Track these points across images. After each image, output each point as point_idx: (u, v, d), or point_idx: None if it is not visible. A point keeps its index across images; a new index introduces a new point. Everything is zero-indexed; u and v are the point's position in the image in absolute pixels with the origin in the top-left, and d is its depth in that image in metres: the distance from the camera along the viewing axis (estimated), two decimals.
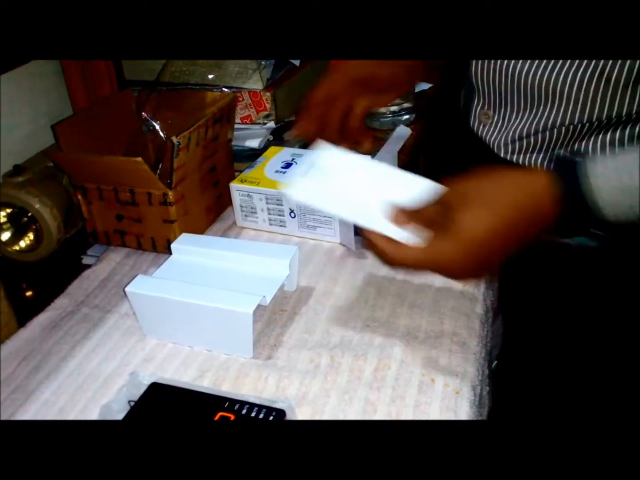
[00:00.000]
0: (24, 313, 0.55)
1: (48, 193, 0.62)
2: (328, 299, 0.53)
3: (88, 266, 0.62)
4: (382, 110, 0.85)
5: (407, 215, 0.40)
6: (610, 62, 0.45)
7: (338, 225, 0.59)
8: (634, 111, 0.46)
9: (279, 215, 0.62)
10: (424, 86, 0.95)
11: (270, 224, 0.63)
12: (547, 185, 0.37)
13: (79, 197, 0.62)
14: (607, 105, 0.46)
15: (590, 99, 0.46)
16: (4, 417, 0.43)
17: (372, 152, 0.64)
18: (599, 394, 0.56)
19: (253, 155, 0.71)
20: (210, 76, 0.76)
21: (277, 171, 0.64)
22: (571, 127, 0.49)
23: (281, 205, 0.61)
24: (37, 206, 0.61)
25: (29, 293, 0.62)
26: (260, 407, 0.41)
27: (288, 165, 0.65)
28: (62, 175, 0.66)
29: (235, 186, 0.63)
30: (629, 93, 0.45)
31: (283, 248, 0.54)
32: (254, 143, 0.76)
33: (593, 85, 0.46)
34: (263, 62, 0.75)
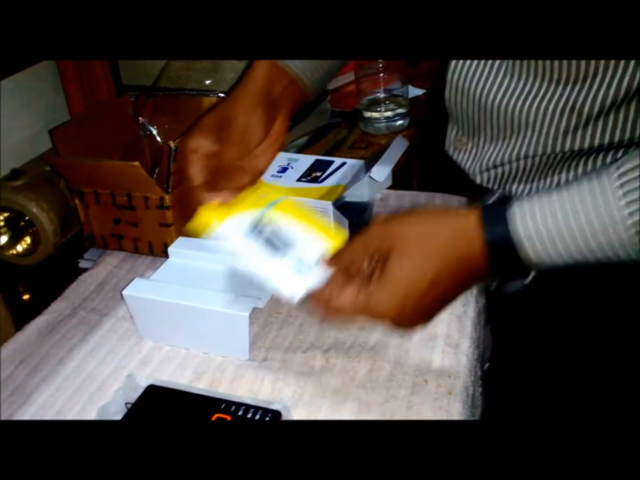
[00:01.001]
0: (21, 317, 0.55)
1: (45, 197, 0.63)
2: None
3: (85, 270, 0.62)
4: (377, 116, 0.87)
5: (337, 262, 0.38)
6: (582, 95, 0.45)
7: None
8: (606, 142, 0.46)
9: None
10: (418, 92, 0.97)
11: None
12: (477, 232, 0.35)
13: (76, 201, 0.63)
14: (578, 137, 0.46)
15: (561, 130, 0.46)
16: (3, 419, 0.44)
17: (369, 158, 0.65)
18: (590, 396, 0.57)
19: None
20: (207, 82, 0.76)
21: (273, 175, 0.65)
22: (544, 157, 0.48)
23: None
24: (34, 210, 0.62)
25: (26, 297, 0.62)
26: (257, 408, 0.42)
27: (284, 170, 0.65)
28: (59, 179, 0.66)
29: None
30: (600, 125, 0.45)
31: None
32: None
33: (565, 117, 0.46)
34: None
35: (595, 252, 0.34)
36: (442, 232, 0.37)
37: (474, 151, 0.55)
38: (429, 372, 0.45)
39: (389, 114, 0.86)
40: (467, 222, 0.36)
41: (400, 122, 0.87)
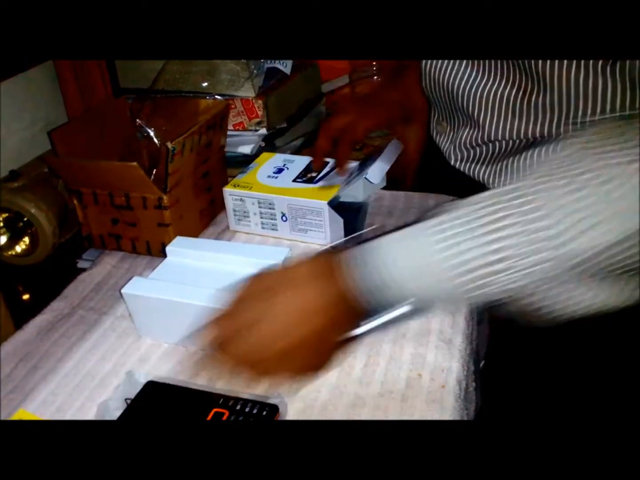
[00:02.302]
0: (21, 316, 0.56)
1: (44, 198, 0.63)
2: None
3: (83, 270, 0.63)
4: None
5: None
6: (538, 83, 0.49)
7: (329, 227, 0.61)
8: (547, 136, 0.50)
9: (271, 218, 0.64)
10: None
11: (263, 228, 0.65)
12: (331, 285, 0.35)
13: (74, 201, 0.64)
14: (535, 126, 0.51)
15: (516, 119, 0.52)
16: (3, 416, 0.44)
17: (363, 159, 0.66)
18: (587, 395, 0.58)
19: (245, 161, 0.72)
20: (204, 84, 0.77)
21: (269, 176, 0.66)
22: (502, 142, 0.53)
23: (273, 209, 0.63)
24: (33, 211, 0.62)
25: (25, 297, 0.63)
26: (254, 402, 0.42)
27: (280, 171, 0.66)
28: (57, 180, 0.67)
29: (228, 191, 0.65)
30: (554, 113, 0.50)
31: (275, 250, 0.56)
32: (246, 149, 0.78)
33: (517, 109, 0.51)
34: (255, 71, 0.77)
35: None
36: (302, 291, 0.35)
37: (451, 134, 0.60)
38: (423, 366, 0.46)
39: None
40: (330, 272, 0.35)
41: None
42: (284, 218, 0.63)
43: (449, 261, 0.33)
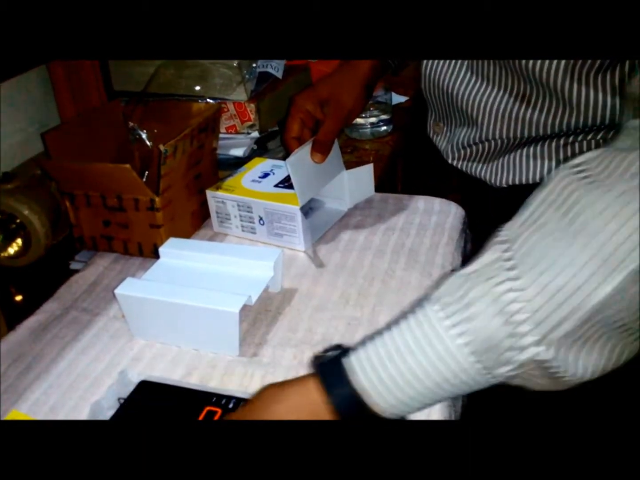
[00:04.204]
0: (14, 317, 0.56)
1: (36, 200, 0.64)
2: (311, 299, 0.56)
3: (76, 271, 0.63)
4: (361, 121, 0.89)
5: None
6: (535, 91, 0.52)
7: (302, 233, 0.61)
8: (543, 133, 0.53)
9: (250, 222, 0.65)
10: (401, 99, 0.99)
11: (243, 230, 0.66)
12: (322, 400, 0.35)
13: (67, 203, 0.64)
14: (530, 126, 0.54)
15: (512, 120, 0.54)
16: None
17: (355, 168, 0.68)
18: (578, 402, 0.59)
19: (237, 164, 0.73)
20: (197, 88, 0.78)
21: (253, 180, 0.66)
22: (499, 141, 0.56)
23: (251, 212, 0.64)
24: (25, 212, 0.62)
25: (18, 298, 0.63)
26: (246, 401, 0.43)
27: (265, 175, 0.67)
28: (50, 182, 0.67)
29: (210, 193, 0.66)
30: (548, 118, 0.53)
31: (268, 251, 0.57)
32: (238, 152, 0.79)
33: (514, 112, 0.54)
34: (247, 75, 0.78)
35: (439, 386, 0.33)
36: (288, 406, 0.35)
37: (448, 134, 0.62)
38: None
39: (373, 120, 0.89)
40: (308, 392, 0.35)
41: (384, 127, 0.90)
42: (261, 222, 0.63)
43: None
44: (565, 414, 0.60)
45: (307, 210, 0.66)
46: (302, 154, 0.61)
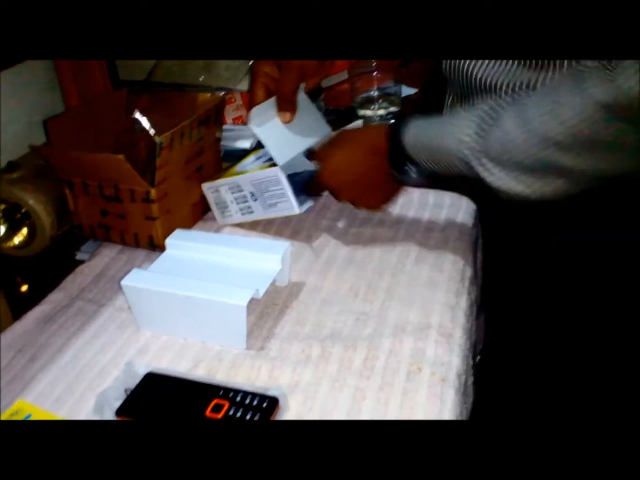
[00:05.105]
0: (19, 308, 0.56)
1: (42, 189, 0.63)
2: (319, 293, 0.55)
3: (81, 262, 0.62)
4: (370, 114, 0.88)
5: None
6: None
7: (291, 194, 0.59)
8: None
9: (244, 202, 0.63)
10: (410, 91, 0.98)
11: (242, 214, 0.64)
12: (382, 137, 0.52)
13: (66, 190, 0.63)
14: None
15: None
16: (2, 406, 0.44)
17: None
18: (582, 390, 0.59)
19: (244, 155, 0.72)
20: (202, 78, 0.77)
21: (245, 165, 0.65)
22: None
23: (242, 190, 0.62)
24: (30, 202, 0.62)
25: (23, 288, 0.62)
26: (254, 394, 0.43)
27: (258, 159, 0.65)
28: (57, 172, 0.66)
29: (205, 185, 0.65)
30: None
31: (275, 244, 0.56)
32: (245, 144, 0.78)
33: (539, 82, 0.51)
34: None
35: (443, 160, 0.49)
36: (360, 137, 0.57)
37: None
38: (423, 360, 0.46)
39: (382, 112, 0.87)
40: (377, 131, 0.55)
41: (393, 120, 0.88)
42: (253, 197, 0.62)
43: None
44: (565, 414, 0.59)
45: (298, 176, 0.61)
46: (269, 115, 0.59)
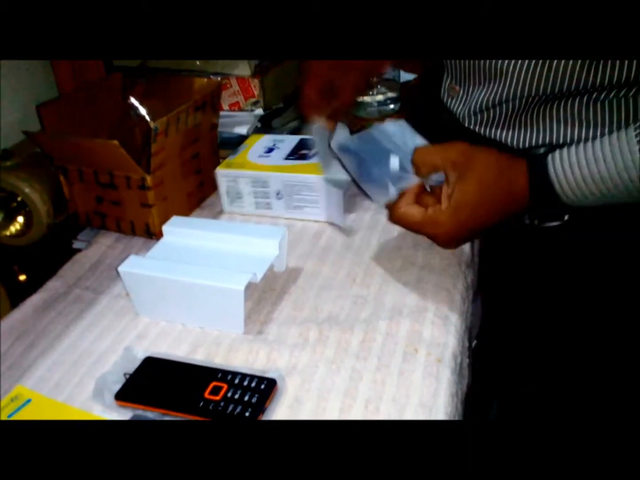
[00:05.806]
0: (17, 297, 0.56)
1: (37, 177, 0.63)
2: (316, 278, 0.55)
3: (79, 250, 0.62)
4: (368, 100, 0.87)
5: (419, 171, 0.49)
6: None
7: (325, 203, 0.61)
8: (573, 87, 0.50)
9: (265, 197, 0.64)
10: (409, 77, 0.97)
11: (257, 208, 0.65)
12: (523, 172, 0.45)
13: (61, 177, 0.63)
14: (549, 81, 0.51)
15: (529, 75, 0.51)
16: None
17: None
18: (577, 378, 0.59)
19: (241, 142, 0.72)
20: (198, 62, 0.76)
21: (260, 156, 0.65)
22: (517, 101, 0.54)
23: (267, 187, 0.63)
24: (26, 190, 0.62)
25: (21, 277, 0.62)
26: (252, 377, 0.43)
27: (270, 150, 0.66)
28: (51, 159, 0.66)
29: (220, 172, 0.64)
30: (569, 71, 0.49)
31: (272, 229, 0.56)
32: (242, 130, 0.77)
33: (532, 64, 0.51)
34: None
35: (614, 187, 0.42)
36: (500, 171, 0.46)
37: (464, 97, 0.60)
38: (419, 341, 0.46)
39: (380, 97, 0.87)
40: (516, 163, 0.46)
41: (391, 106, 0.88)
42: (279, 196, 0.63)
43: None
44: (564, 412, 0.59)
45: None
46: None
